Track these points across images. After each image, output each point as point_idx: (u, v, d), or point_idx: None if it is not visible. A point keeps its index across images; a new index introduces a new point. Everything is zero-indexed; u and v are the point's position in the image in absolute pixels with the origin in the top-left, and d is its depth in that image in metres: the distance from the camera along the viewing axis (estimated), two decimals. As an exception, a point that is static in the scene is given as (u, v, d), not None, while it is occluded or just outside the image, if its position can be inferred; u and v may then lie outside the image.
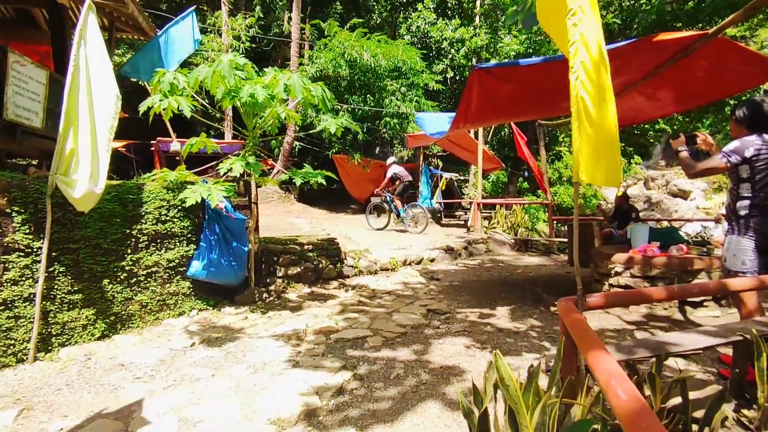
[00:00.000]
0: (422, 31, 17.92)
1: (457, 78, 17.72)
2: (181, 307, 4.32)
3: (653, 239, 4.90)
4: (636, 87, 4.60)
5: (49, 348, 3.37)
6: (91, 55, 3.71)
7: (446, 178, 14.67)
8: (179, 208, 4.33)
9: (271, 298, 5.06)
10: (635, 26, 13.00)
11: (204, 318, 4.29)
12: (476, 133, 11.33)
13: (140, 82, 7.30)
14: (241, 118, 4.83)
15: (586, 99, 1.80)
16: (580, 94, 1.80)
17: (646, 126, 17.74)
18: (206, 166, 9.56)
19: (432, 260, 7.53)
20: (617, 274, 4.74)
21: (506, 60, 16.07)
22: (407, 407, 2.66)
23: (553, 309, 4.71)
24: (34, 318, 3.28)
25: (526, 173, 17.28)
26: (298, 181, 4.51)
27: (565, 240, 8.57)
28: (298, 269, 5.63)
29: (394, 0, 20.44)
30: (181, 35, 7.48)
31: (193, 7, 7.76)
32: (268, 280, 5.31)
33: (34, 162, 7.97)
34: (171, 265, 4.27)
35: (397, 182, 9.43)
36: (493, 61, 16.29)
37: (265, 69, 4.67)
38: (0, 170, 5.12)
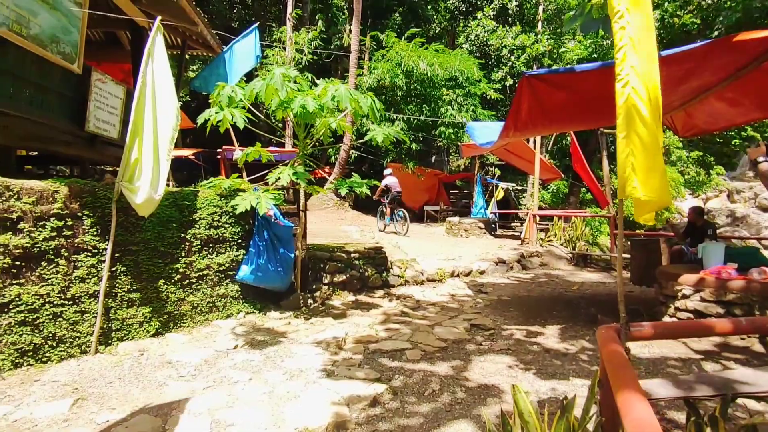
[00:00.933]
0: (481, 39, 17.64)
1: (517, 86, 17.23)
2: (229, 310, 4.50)
3: (730, 260, 4.39)
4: (714, 92, 4.18)
5: (109, 342, 3.64)
6: (157, 70, 4.00)
7: (502, 188, 14.25)
8: (231, 214, 4.54)
9: (315, 305, 5.14)
10: (717, 26, 11.89)
11: (250, 321, 4.44)
12: (534, 142, 10.90)
13: (209, 95, 7.78)
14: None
15: (640, 106, 1.64)
16: (633, 101, 1.64)
17: (731, 133, 16.11)
18: (262, 174, 9.98)
19: (481, 272, 7.29)
20: (685, 297, 4.29)
21: (569, 66, 15.35)
22: (439, 426, 2.55)
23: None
24: (97, 313, 3.55)
25: (589, 184, 16.35)
26: (343, 191, 4.57)
27: (629, 256, 7.93)
28: (344, 277, 5.68)
29: (454, 9, 20.33)
30: (244, 51, 7.92)
31: (256, 24, 8.20)
32: (314, 287, 5.40)
33: (112, 169, 8.72)
34: (221, 268, 4.47)
35: (389, 192, 11.16)
36: (554, 68, 15.62)
37: (318, 81, 4.80)
38: (84, 176, 5.67)
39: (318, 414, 2.58)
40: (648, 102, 1.62)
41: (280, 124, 15.90)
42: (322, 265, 5.59)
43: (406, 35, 14.58)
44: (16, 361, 3.17)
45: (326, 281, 5.57)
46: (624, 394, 1.07)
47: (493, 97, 15.73)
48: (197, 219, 4.31)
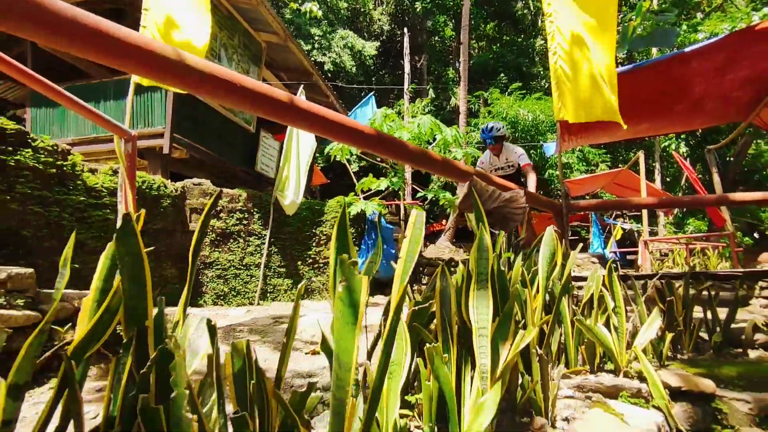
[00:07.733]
0: (590, 85, 17.92)
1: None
2: (345, 290, 5.84)
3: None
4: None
5: (266, 299, 5.22)
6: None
7: (621, 227, 13.73)
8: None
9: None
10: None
11: (360, 298, 5.70)
12: (639, 170, 10.74)
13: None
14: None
15: (565, 67, 2.61)
16: (559, 63, 2.63)
17: None
18: (370, 193, 11.66)
19: (579, 288, 7.51)
20: None
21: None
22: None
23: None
24: (259, 279, 5.20)
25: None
26: (429, 196, 5.76)
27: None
28: (440, 279, 6.66)
29: (561, 63, 21.05)
30: (364, 113, 10.03)
31: (373, 93, 10.37)
32: (413, 285, 6.50)
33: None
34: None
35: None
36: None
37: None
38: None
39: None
40: (569, 61, 2.58)
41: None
42: (421, 268, 6.69)
43: (509, 90, 15.84)
44: (214, 301, 4.90)
45: (425, 282, 6.62)
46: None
47: (605, 138, 15.64)
48: (323, 220, 5.89)
